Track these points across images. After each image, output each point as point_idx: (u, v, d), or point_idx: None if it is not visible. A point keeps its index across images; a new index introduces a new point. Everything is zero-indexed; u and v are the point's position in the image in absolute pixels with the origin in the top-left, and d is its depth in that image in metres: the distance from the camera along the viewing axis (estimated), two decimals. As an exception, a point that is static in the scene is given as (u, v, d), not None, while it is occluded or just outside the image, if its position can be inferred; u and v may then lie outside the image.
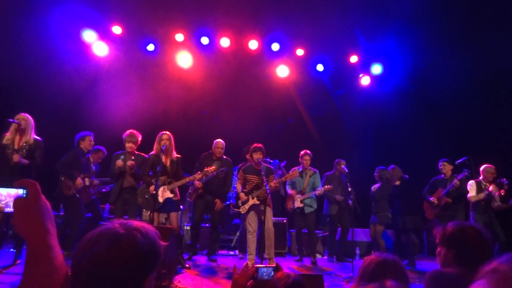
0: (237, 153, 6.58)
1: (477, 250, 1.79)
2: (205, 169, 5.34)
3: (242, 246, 6.40)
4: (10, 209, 1.33)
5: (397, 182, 6.41)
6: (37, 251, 0.95)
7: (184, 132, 7.66)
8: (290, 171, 6.04)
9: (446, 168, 6.17)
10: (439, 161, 6.27)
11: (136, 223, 0.99)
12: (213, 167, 5.43)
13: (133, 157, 5.45)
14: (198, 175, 5.38)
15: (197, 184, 5.86)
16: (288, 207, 6.52)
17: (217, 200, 5.95)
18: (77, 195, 5.23)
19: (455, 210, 6.01)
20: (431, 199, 6.12)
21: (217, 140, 6.16)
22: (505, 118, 7.13)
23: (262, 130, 8.46)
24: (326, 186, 6.27)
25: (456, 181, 5.86)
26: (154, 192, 4.95)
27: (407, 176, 6.47)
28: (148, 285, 0.97)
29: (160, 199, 5.06)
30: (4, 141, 4.72)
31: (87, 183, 5.33)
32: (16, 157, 4.61)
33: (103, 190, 6.15)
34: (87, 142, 5.42)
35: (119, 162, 5.31)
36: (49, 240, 0.97)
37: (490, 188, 5.75)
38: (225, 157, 6.14)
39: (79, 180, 5.19)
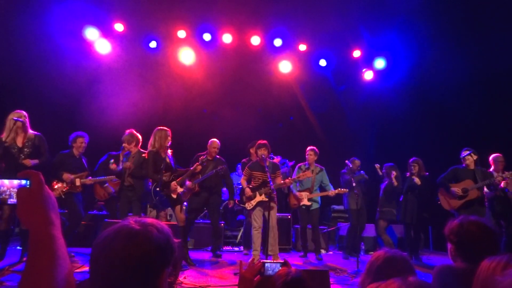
0: (237, 151, 6.53)
1: (476, 245, 1.78)
2: (197, 156, 5.31)
3: (246, 242, 6.39)
4: (13, 200, 1.33)
5: (417, 181, 6.12)
6: (40, 241, 0.94)
7: (184, 130, 7.64)
8: (301, 172, 6.06)
9: (469, 159, 5.77)
10: (461, 150, 5.94)
11: (150, 219, 1.01)
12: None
13: (132, 156, 5.44)
14: (198, 167, 5.38)
15: (189, 184, 5.69)
16: (292, 204, 6.42)
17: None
18: (73, 194, 5.27)
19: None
20: (454, 190, 5.67)
21: (213, 139, 5.96)
22: (509, 114, 7.05)
23: (262, 128, 8.36)
24: (339, 189, 6.11)
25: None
26: (158, 189, 4.95)
27: (427, 173, 6.31)
28: (163, 279, 0.99)
29: (174, 195, 5.09)
30: (6, 140, 4.72)
31: (77, 183, 5.29)
32: (28, 162, 4.70)
33: None
34: (77, 144, 5.39)
35: (111, 166, 5.58)
36: (53, 231, 0.96)
37: (502, 184, 5.64)
38: (218, 156, 5.97)
39: (66, 175, 5.22)
